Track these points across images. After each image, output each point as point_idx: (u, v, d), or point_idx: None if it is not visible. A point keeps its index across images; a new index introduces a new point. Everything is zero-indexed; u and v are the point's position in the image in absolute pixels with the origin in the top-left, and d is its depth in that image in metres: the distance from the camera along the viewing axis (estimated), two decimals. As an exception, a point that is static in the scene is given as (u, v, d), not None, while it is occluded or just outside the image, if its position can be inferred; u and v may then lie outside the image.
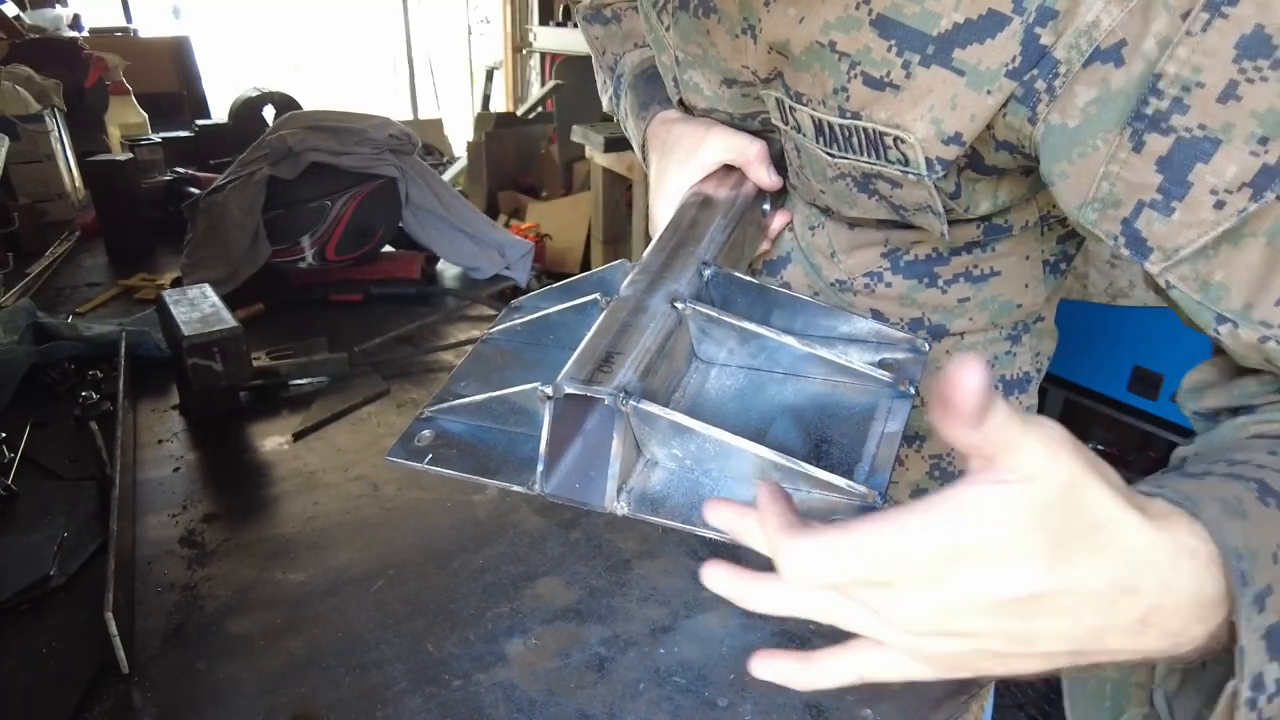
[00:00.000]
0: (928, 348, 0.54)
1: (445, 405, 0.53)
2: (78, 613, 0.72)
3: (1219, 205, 0.39)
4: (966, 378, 0.27)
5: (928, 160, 0.51)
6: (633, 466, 0.46)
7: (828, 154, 0.57)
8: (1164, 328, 1.76)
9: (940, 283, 0.70)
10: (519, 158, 4.41)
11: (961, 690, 0.65)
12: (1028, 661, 0.32)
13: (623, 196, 3.48)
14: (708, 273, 0.56)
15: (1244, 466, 0.35)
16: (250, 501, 0.89)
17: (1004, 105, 0.46)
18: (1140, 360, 1.86)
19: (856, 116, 0.52)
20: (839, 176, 0.59)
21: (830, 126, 0.55)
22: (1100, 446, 2.14)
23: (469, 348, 1.29)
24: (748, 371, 0.53)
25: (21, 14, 2.56)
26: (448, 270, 1.62)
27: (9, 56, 2.10)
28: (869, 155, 0.54)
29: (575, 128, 3.47)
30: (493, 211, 4.17)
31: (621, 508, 0.45)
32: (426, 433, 0.52)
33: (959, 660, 0.33)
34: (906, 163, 0.52)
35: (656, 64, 0.73)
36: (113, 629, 0.63)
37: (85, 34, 2.79)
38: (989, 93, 0.46)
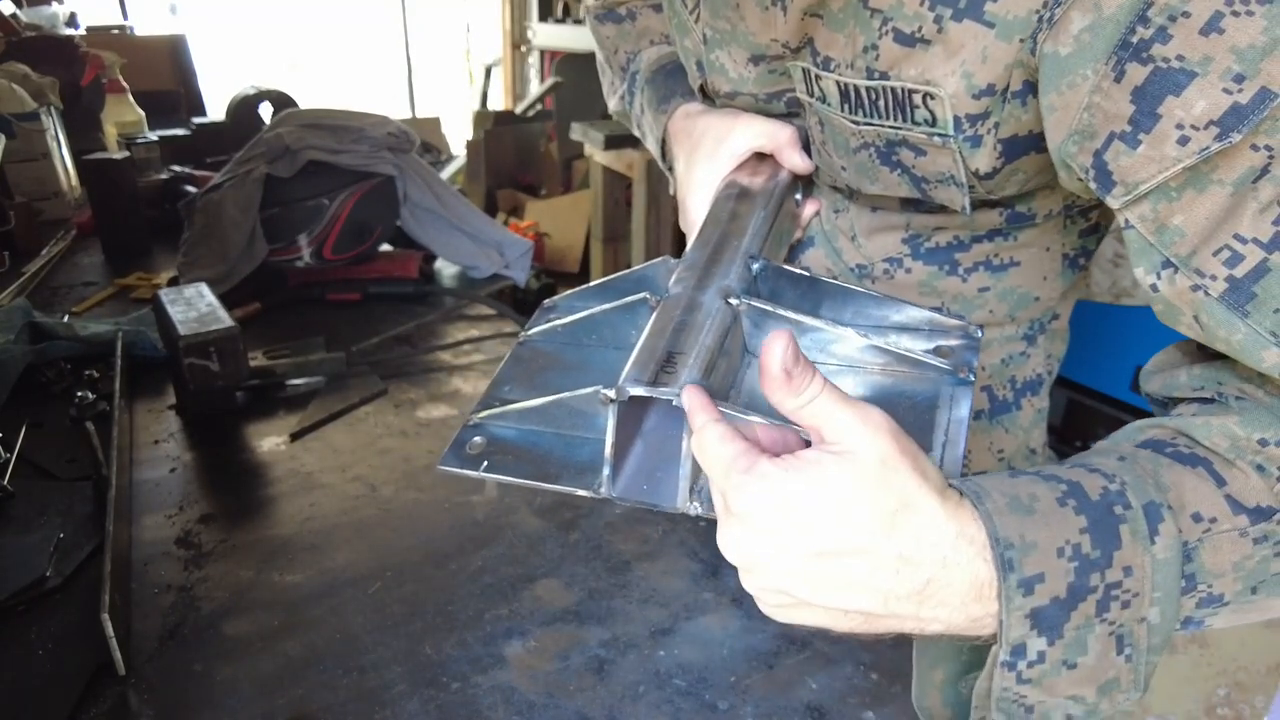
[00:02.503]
0: (980, 334, 0.53)
1: (496, 411, 0.52)
2: (74, 614, 0.71)
3: (1183, 141, 0.38)
4: (773, 344, 0.35)
5: (955, 119, 0.51)
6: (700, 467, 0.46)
7: (852, 122, 0.57)
8: (1167, 328, 1.76)
9: (960, 270, 0.69)
10: (518, 155, 4.40)
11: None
12: (831, 615, 0.38)
13: (622, 194, 3.47)
14: (756, 266, 0.55)
15: (1076, 470, 0.39)
16: (247, 502, 0.88)
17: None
18: (1143, 360, 1.85)
19: (885, 76, 0.52)
20: (862, 146, 0.59)
21: (856, 90, 0.54)
22: (1101, 446, 2.14)
23: (467, 347, 1.29)
24: None
25: (18, 11, 2.55)
26: (446, 269, 1.62)
27: (5, 54, 2.09)
28: (894, 118, 0.54)
29: (574, 125, 3.46)
30: (491, 210, 4.17)
31: (695, 508, 0.44)
32: (478, 439, 0.51)
33: (774, 600, 0.39)
34: (934, 122, 0.52)
35: (678, 50, 0.72)
36: (109, 630, 0.63)
37: (82, 32, 2.79)
38: (1021, 41, 0.45)
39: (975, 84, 0.48)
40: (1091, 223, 0.69)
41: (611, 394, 0.43)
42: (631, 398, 0.43)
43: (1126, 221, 0.43)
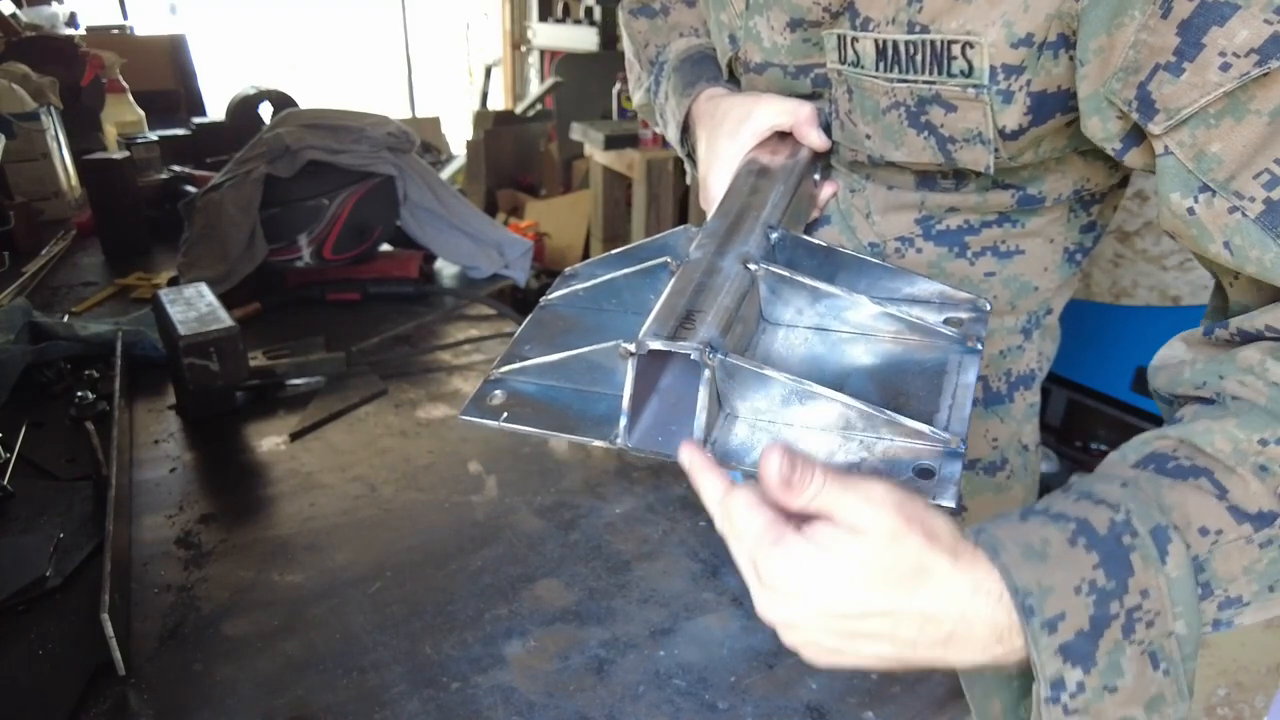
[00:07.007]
0: (989, 306, 0.55)
1: (516, 366, 0.53)
2: (74, 614, 0.71)
3: (1225, 67, 0.41)
4: (767, 460, 0.38)
5: (991, 69, 0.53)
6: (715, 420, 0.47)
7: (886, 80, 0.59)
8: (1167, 327, 1.75)
9: (969, 254, 0.72)
10: (518, 156, 4.40)
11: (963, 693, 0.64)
12: (864, 660, 0.41)
13: (622, 194, 3.48)
14: (775, 235, 0.57)
15: (1082, 505, 0.41)
16: (247, 502, 0.88)
17: None
18: (1143, 360, 1.86)
19: (925, 30, 0.54)
20: (892, 107, 0.60)
21: (895, 46, 0.56)
22: (1103, 447, 2.14)
23: (467, 347, 1.29)
24: (815, 332, 0.54)
25: (18, 11, 2.55)
26: (446, 269, 1.62)
27: (5, 54, 2.09)
28: (930, 72, 0.56)
29: (574, 125, 3.47)
30: (491, 210, 4.17)
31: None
32: (498, 393, 0.52)
33: (810, 652, 0.41)
34: (970, 73, 0.54)
35: (711, 25, 0.74)
36: (109, 630, 0.63)
37: (81, 32, 2.78)
38: None
39: (1015, 33, 0.51)
40: (1091, 218, 0.71)
41: (631, 347, 0.45)
42: (650, 353, 0.45)
43: (1165, 149, 0.45)
